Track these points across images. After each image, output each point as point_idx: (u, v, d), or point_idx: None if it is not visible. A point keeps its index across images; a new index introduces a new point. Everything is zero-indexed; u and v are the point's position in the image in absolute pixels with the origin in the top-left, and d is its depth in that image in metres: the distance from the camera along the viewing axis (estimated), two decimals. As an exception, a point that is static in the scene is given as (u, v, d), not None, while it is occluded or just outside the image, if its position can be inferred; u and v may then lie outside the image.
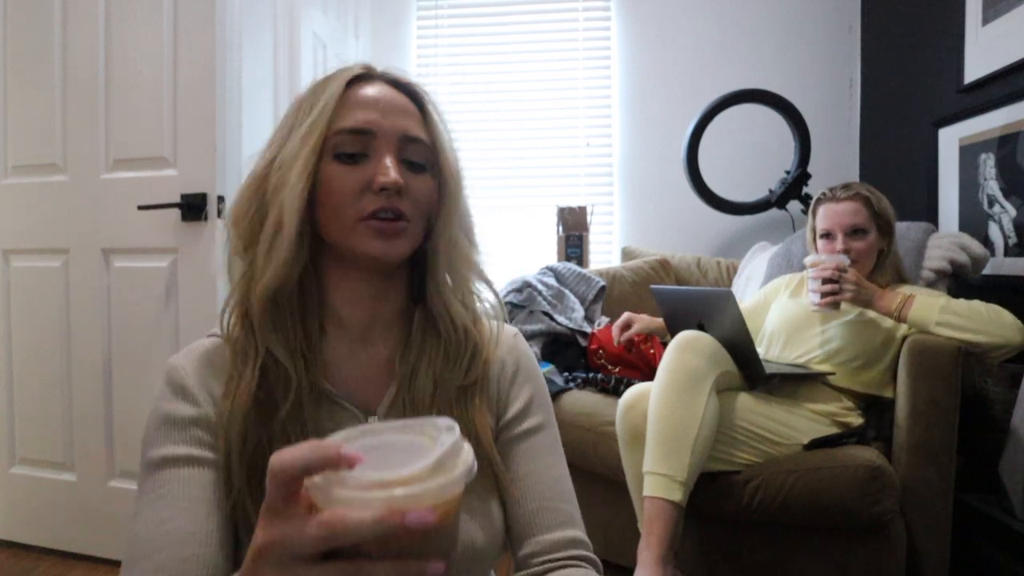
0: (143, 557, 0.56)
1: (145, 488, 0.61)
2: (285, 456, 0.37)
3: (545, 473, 0.70)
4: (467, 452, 0.40)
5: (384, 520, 0.35)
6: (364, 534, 0.36)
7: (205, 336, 0.70)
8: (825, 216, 1.67)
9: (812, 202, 1.74)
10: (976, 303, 1.47)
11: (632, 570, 1.33)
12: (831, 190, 1.68)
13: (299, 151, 0.63)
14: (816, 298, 1.54)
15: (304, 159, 0.63)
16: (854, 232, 1.62)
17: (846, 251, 1.61)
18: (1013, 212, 1.79)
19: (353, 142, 0.64)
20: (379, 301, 0.69)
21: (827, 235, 1.66)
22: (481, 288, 0.74)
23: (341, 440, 0.40)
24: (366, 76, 0.69)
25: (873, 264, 1.65)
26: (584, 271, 2.32)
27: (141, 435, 0.64)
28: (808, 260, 1.60)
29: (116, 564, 1.81)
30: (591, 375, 1.92)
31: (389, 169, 0.63)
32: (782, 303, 1.80)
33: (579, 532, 0.69)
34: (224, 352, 0.66)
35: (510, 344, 0.75)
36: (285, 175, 0.63)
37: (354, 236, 0.64)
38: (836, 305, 1.55)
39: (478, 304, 0.74)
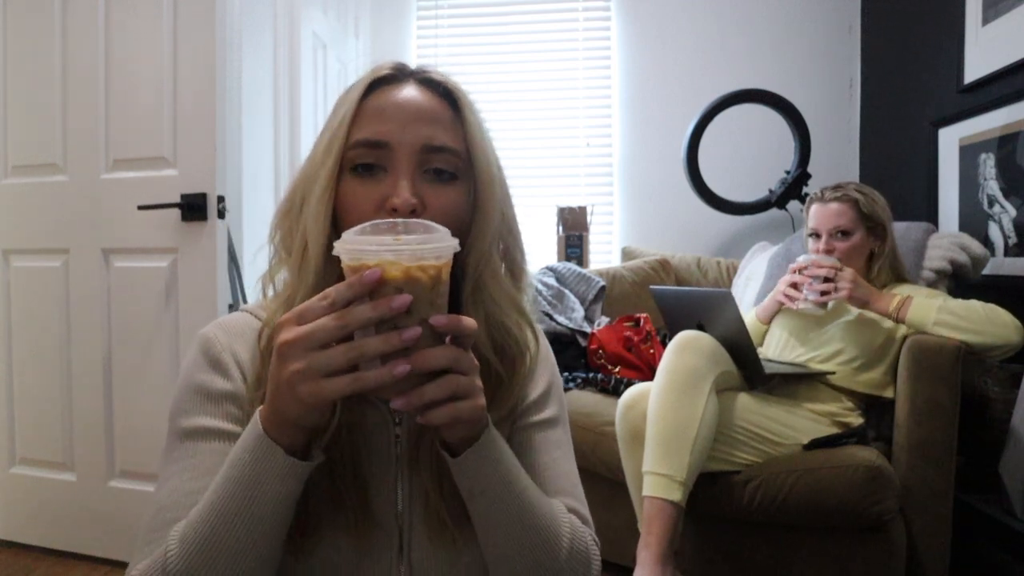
0: (167, 525, 0.56)
1: (175, 456, 0.61)
2: (330, 289, 0.48)
3: (554, 467, 0.69)
4: (448, 242, 0.51)
5: (355, 281, 0.47)
6: (347, 296, 0.47)
7: (237, 311, 0.70)
8: (813, 216, 1.70)
9: (806, 201, 1.76)
10: (973, 303, 1.47)
11: (632, 570, 1.33)
12: (822, 190, 1.71)
13: (320, 168, 0.61)
14: (813, 295, 1.57)
15: (325, 178, 0.60)
16: (838, 233, 1.65)
17: (829, 251, 1.65)
18: (1013, 212, 1.79)
19: (368, 154, 0.61)
20: None
21: (814, 234, 1.69)
22: (519, 321, 0.66)
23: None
24: (392, 77, 0.64)
25: (862, 264, 1.67)
26: (584, 271, 2.32)
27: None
28: (801, 259, 1.64)
29: (116, 564, 1.81)
30: (591, 375, 1.92)
31: (401, 189, 0.59)
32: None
33: (576, 518, 0.68)
34: (252, 325, 0.66)
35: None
36: (309, 191, 0.61)
37: None
38: (825, 304, 1.58)
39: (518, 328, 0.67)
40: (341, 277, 0.60)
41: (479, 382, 0.53)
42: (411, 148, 0.60)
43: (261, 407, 0.53)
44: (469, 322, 0.51)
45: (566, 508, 0.66)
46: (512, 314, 0.65)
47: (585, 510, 0.69)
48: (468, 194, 0.64)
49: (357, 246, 0.49)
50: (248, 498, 0.51)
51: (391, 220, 0.53)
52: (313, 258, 0.60)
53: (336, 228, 0.61)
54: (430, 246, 0.49)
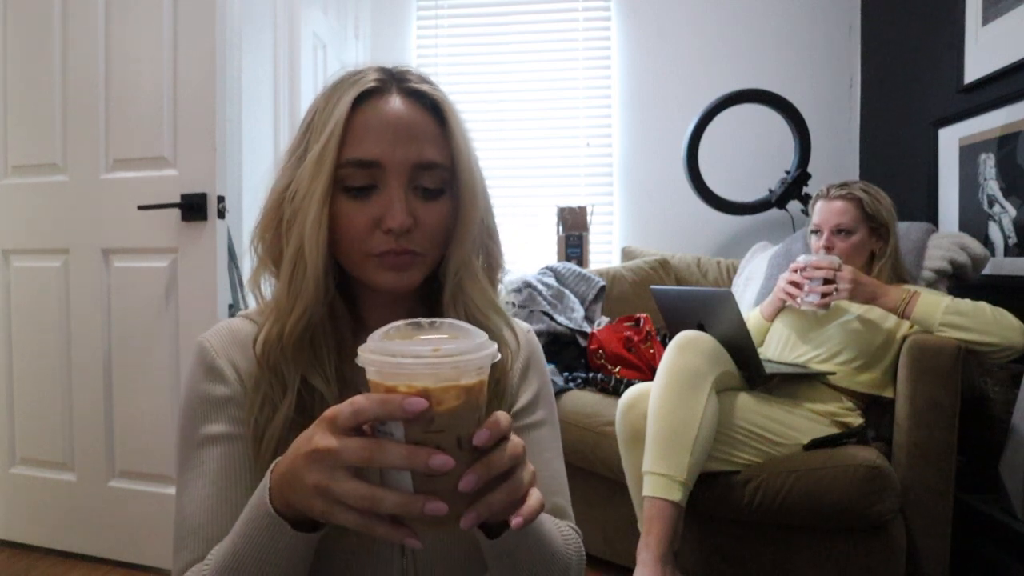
0: (192, 533, 0.61)
1: (190, 465, 0.64)
2: (362, 404, 0.44)
3: (544, 468, 0.71)
4: (487, 348, 0.46)
5: (392, 402, 0.43)
6: (377, 415, 0.44)
7: (236, 316, 0.71)
8: (817, 212, 1.71)
9: (813, 197, 1.77)
10: (982, 304, 1.47)
11: (632, 570, 1.33)
12: (828, 187, 1.72)
13: (311, 185, 0.61)
14: (815, 298, 1.57)
15: (319, 198, 0.61)
16: (839, 231, 1.65)
17: (829, 248, 1.65)
18: (1013, 212, 1.79)
19: (361, 175, 0.62)
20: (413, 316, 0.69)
21: (816, 231, 1.70)
22: (497, 321, 0.68)
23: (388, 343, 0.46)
24: (377, 90, 0.63)
25: (862, 264, 1.67)
26: (584, 271, 2.32)
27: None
28: (801, 259, 1.63)
29: (116, 564, 1.81)
30: (591, 375, 1.92)
31: (396, 211, 0.61)
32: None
33: (570, 524, 0.72)
34: (250, 331, 0.66)
35: (524, 340, 0.76)
36: (299, 209, 0.62)
37: (365, 270, 0.64)
38: (827, 305, 1.59)
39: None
40: (340, 293, 0.63)
41: (531, 466, 0.50)
42: (402, 166, 0.62)
43: (272, 471, 0.51)
44: (505, 419, 0.47)
45: (555, 508, 0.70)
46: (491, 315, 0.68)
47: (569, 506, 0.73)
48: (453, 205, 0.65)
49: (387, 358, 0.44)
50: (259, 560, 0.52)
51: (415, 321, 0.49)
52: (311, 280, 0.61)
53: (331, 245, 0.63)
54: (472, 356, 0.44)
